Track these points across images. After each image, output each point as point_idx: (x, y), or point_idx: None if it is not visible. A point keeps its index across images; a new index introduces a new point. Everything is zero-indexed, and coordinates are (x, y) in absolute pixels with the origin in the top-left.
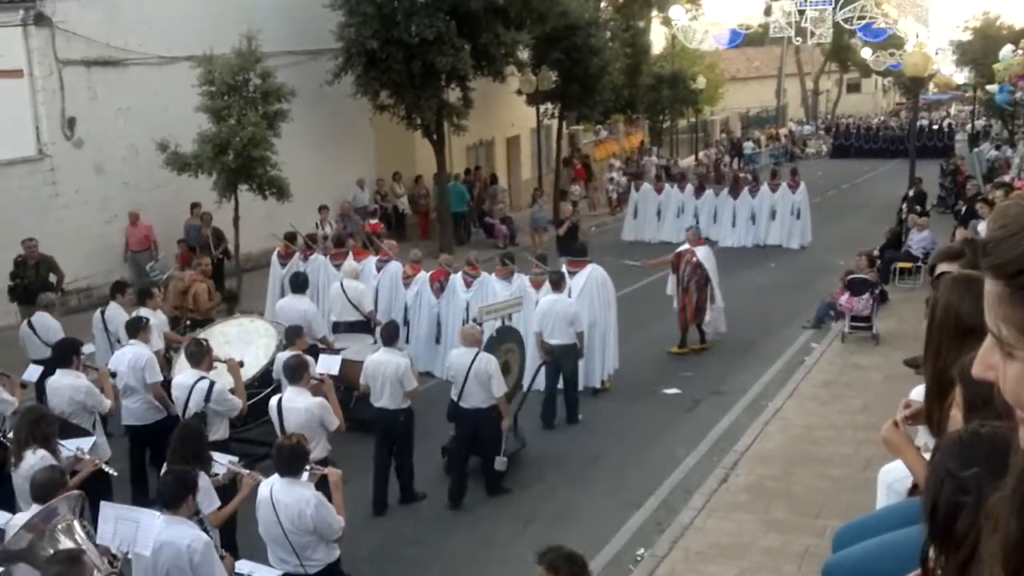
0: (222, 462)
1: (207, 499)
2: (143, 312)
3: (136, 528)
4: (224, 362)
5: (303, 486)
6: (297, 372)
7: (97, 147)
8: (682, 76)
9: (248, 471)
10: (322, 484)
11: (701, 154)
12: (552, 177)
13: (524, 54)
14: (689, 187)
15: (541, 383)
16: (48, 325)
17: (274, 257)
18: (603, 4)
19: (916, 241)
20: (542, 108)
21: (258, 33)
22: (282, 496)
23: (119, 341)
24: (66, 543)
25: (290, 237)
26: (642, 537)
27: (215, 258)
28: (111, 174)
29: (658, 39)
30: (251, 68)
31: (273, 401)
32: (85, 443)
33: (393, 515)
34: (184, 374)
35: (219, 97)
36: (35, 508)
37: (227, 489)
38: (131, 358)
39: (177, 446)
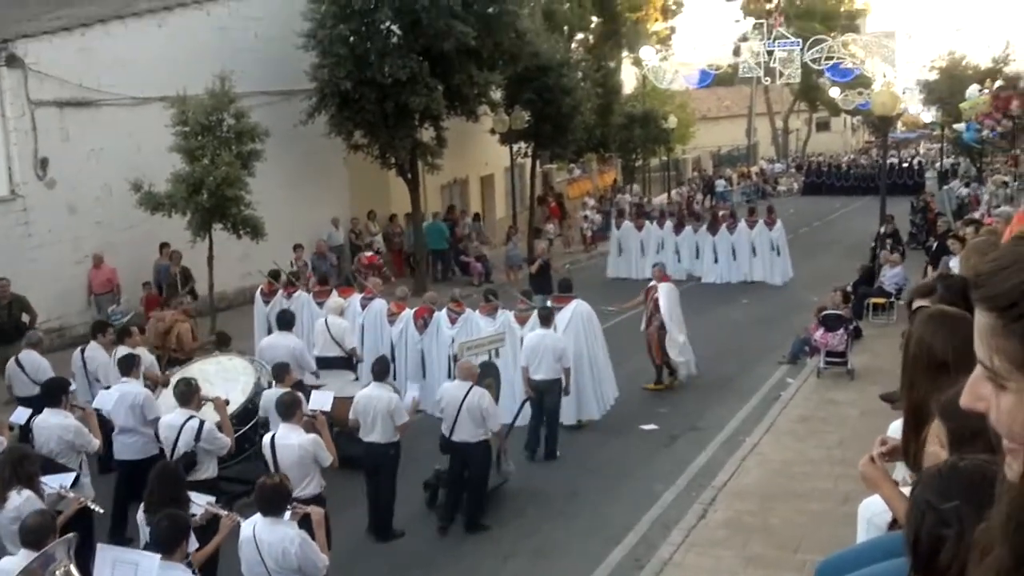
0: (200, 503)
1: None
2: (121, 351)
3: (135, 571)
4: (211, 400)
5: (286, 525)
6: (290, 409)
7: (70, 187)
8: (653, 115)
9: (227, 512)
10: (304, 522)
11: (674, 192)
12: (526, 215)
13: (497, 94)
14: (668, 224)
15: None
16: (37, 363)
17: (257, 295)
18: (574, 45)
19: (888, 277)
20: (515, 147)
21: (231, 74)
22: (265, 535)
23: (98, 380)
24: None
25: (274, 275)
26: (621, 573)
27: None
28: (84, 214)
29: (629, 79)
30: (224, 108)
31: (266, 439)
32: (66, 480)
33: (373, 552)
34: (173, 414)
35: (193, 137)
36: (24, 553)
37: (205, 530)
38: (121, 396)
39: (155, 487)
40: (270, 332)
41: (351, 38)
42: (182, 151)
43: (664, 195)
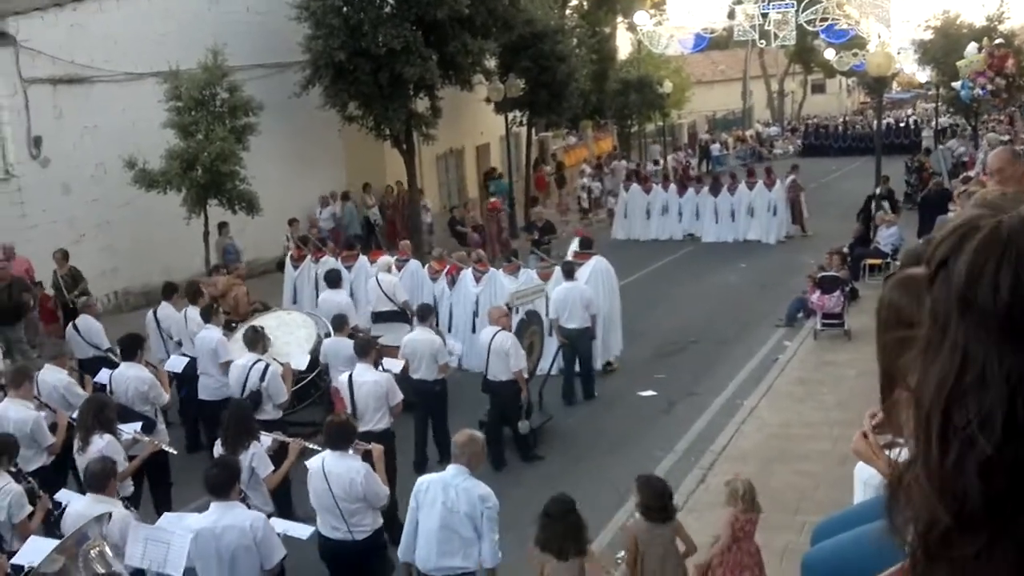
0: (268, 435)
1: (262, 465)
2: (191, 310)
3: (167, 550)
4: (283, 365)
5: (352, 458)
6: (365, 349)
7: (64, 166)
8: (648, 81)
9: (292, 439)
10: (366, 457)
11: (670, 157)
12: (523, 184)
13: (491, 62)
14: (672, 186)
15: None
16: (90, 326)
17: (287, 260)
18: (568, 11)
19: (884, 237)
20: (511, 116)
21: (224, 47)
22: (333, 468)
23: (171, 337)
24: (98, 568)
25: (303, 240)
26: (623, 539)
27: (70, 302)
28: (79, 193)
29: (624, 45)
30: (218, 82)
31: (343, 377)
32: (138, 426)
33: None
34: (243, 357)
35: (186, 112)
36: (90, 496)
37: (274, 459)
38: (201, 341)
39: (229, 423)
40: (295, 295)
41: (344, 8)
42: (176, 127)
43: (660, 160)
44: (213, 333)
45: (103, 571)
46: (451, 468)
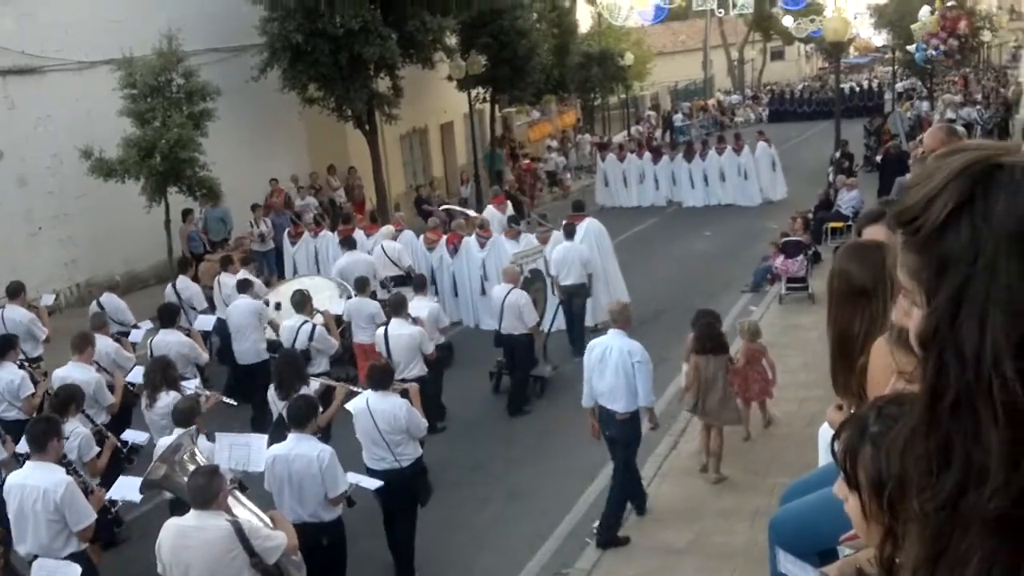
0: (316, 379)
1: None
2: (224, 277)
3: (248, 451)
4: (321, 313)
5: (393, 396)
6: (400, 307)
7: (18, 158)
8: (610, 54)
9: (338, 383)
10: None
11: (633, 129)
12: (487, 161)
13: (452, 39)
14: (647, 154)
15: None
16: (115, 304)
17: (285, 236)
18: None
19: (845, 201)
20: (473, 93)
21: (178, 32)
22: (378, 405)
23: (193, 308)
24: (191, 467)
25: (297, 215)
26: (597, 509)
27: None
28: (35, 185)
29: (584, 18)
30: (173, 68)
31: (379, 332)
32: (200, 382)
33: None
34: (292, 319)
35: (142, 100)
36: (177, 431)
37: (321, 400)
38: (241, 309)
39: (283, 371)
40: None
41: None
42: (132, 115)
43: (623, 132)
44: (251, 301)
45: (194, 468)
46: (611, 330)
